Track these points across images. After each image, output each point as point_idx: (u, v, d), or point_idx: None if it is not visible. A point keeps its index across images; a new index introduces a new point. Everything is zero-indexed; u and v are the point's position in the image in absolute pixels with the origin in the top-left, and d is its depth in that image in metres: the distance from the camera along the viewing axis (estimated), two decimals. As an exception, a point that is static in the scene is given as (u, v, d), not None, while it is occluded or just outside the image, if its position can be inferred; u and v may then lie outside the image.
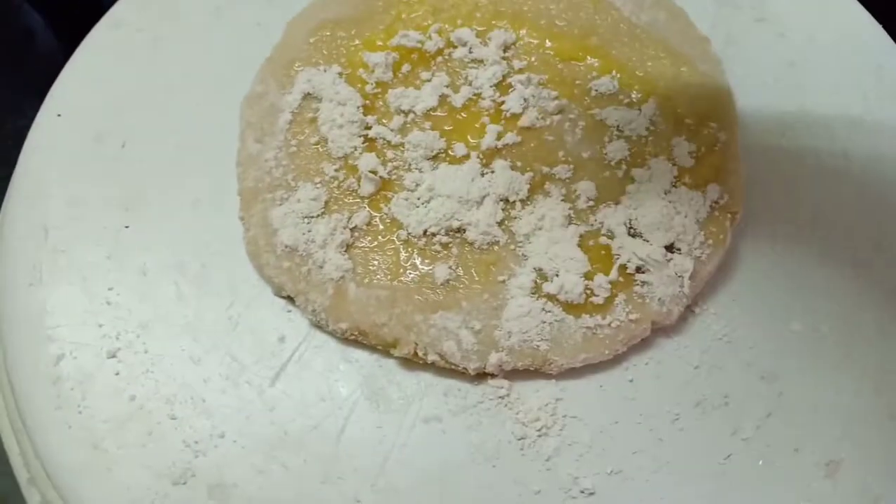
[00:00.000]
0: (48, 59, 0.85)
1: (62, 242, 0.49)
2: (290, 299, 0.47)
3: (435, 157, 0.49)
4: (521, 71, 0.52)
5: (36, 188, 0.51)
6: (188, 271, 0.48)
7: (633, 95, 0.51)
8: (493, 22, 0.54)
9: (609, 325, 0.44)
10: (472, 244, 0.47)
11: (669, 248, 0.46)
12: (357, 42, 0.53)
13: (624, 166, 0.49)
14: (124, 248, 0.49)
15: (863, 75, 0.54)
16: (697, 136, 0.49)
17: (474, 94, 0.51)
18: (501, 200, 0.48)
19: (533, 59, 0.53)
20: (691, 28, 0.54)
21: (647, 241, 0.46)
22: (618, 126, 0.50)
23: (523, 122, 0.50)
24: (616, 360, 0.44)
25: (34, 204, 0.50)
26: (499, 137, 0.50)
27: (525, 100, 0.51)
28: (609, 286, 0.45)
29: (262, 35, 0.55)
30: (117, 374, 0.45)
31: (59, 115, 0.54)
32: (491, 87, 0.52)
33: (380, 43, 0.53)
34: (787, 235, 0.48)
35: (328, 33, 0.54)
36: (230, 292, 0.48)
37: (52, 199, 0.50)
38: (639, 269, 0.45)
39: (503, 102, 0.51)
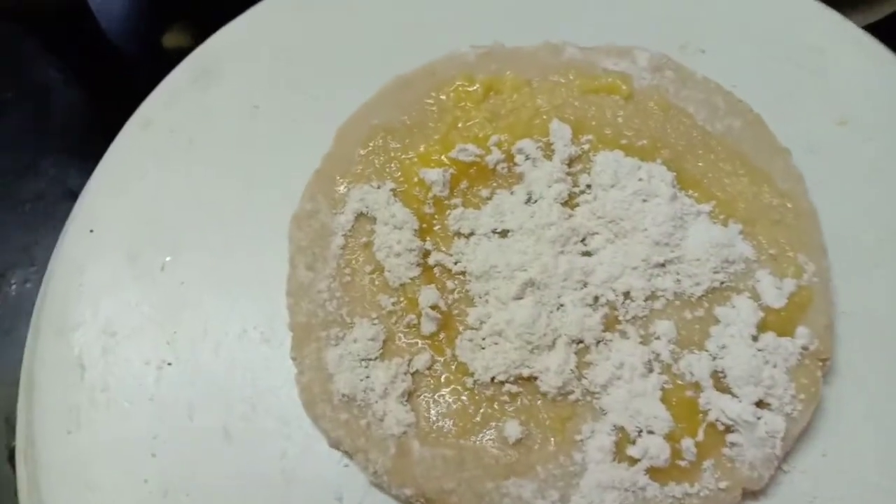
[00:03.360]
0: (66, 116, 0.81)
1: (100, 381, 0.46)
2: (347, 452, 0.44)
3: (499, 289, 0.46)
4: (588, 188, 0.49)
5: (67, 317, 0.48)
6: (236, 413, 0.45)
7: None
8: (556, 129, 0.50)
9: (698, 493, 0.41)
10: (544, 395, 0.43)
11: (759, 403, 0.42)
12: (411, 154, 0.50)
13: (706, 304, 0.45)
14: (168, 387, 0.46)
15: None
16: (782, 268, 0.46)
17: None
18: (574, 342, 0.44)
19: (601, 175, 0.49)
20: (770, 137, 0.50)
21: (737, 398, 0.42)
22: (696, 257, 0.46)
23: (591, 246, 0.47)
24: (703, 528, 0.41)
25: (67, 336, 0.47)
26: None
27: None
28: (696, 449, 0.41)
29: (306, 137, 0.52)
30: (164, 541, 0.42)
31: (91, 231, 0.50)
32: (558, 205, 0.48)
33: (435, 157, 0.49)
34: (879, 381, 0.45)
35: (380, 143, 0.50)
36: (282, 439, 0.44)
37: (86, 331, 0.47)
38: (727, 428, 0.42)
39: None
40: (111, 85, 0.78)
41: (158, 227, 0.50)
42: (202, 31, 0.78)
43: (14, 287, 0.65)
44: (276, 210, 0.49)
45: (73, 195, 0.75)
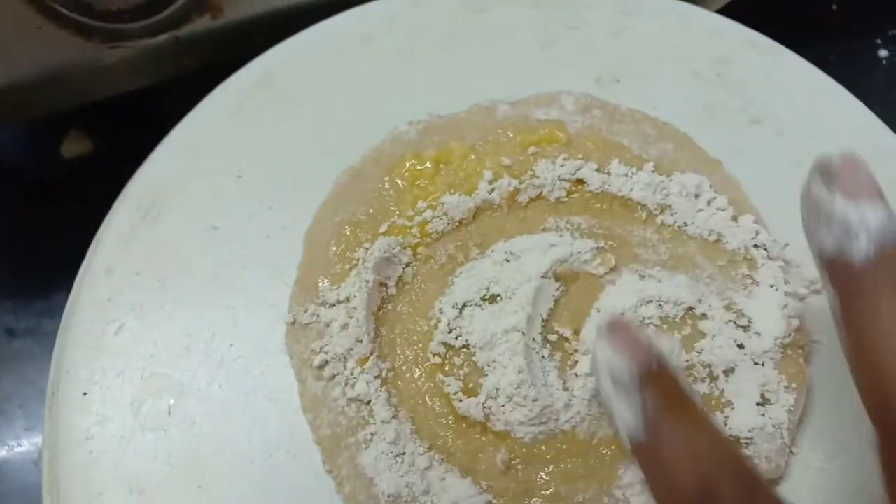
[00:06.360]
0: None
1: (139, 543, 0.45)
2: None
3: (503, 355, 0.48)
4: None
5: (90, 489, 0.47)
6: (286, 537, 0.46)
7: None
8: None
9: (730, 497, 0.45)
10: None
11: (760, 402, 0.47)
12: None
13: (690, 321, 0.49)
14: (209, 532, 0.46)
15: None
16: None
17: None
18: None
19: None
20: (700, 152, 0.55)
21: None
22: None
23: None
24: (737, 524, 0.45)
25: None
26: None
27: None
28: (719, 457, 0.45)
29: (275, 249, 0.53)
30: None
31: (84, 394, 0.49)
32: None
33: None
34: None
35: (351, 238, 0.52)
36: (339, 551, 0.46)
37: (112, 498, 0.46)
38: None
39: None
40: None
41: (153, 374, 0.49)
42: (101, 133, 0.76)
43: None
44: (268, 328, 0.50)
45: (10, 332, 0.73)
